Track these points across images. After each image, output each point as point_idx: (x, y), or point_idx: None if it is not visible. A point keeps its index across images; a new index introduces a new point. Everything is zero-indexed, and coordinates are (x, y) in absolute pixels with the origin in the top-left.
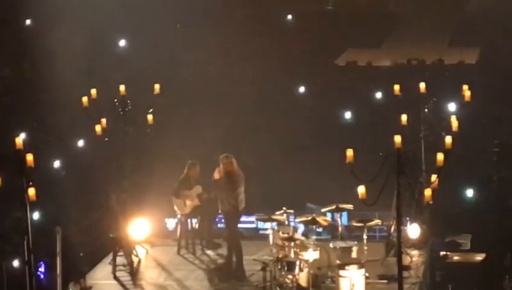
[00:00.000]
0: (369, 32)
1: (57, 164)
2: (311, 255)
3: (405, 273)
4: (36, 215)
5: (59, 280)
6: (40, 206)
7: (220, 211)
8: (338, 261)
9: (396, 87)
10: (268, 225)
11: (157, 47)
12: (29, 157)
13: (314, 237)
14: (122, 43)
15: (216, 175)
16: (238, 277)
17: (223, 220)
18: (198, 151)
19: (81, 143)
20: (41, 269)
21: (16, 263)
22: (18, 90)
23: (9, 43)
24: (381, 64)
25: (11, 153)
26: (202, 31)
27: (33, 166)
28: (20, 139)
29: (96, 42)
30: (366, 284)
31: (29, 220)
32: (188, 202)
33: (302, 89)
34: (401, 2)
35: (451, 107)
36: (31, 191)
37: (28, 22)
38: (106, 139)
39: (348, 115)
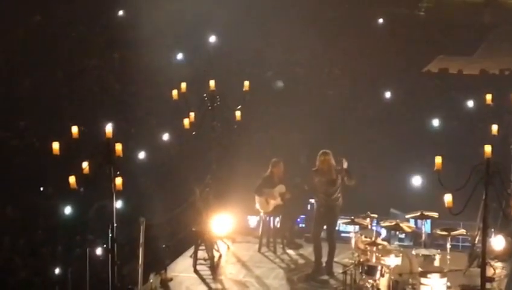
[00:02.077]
0: (460, 41)
1: (142, 155)
2: (393, 261)
3: (488, 285)
4: (120, 205)
5: (140, 270)
6: (124, 197)
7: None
8: (420, 269)
9: (488, 97)
10: (351, 228)
11: (246, 45)
12: (118, 146)
13: (396, 243)
14: (212, 39)
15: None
16: (315, 278)
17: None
18: (283, 151)
19: (167, 136)
20: None
21: (98, 251)
22: (107, 81)
23: (100, 34)
24: (472, 72)
25: (100, 142)
26: (291, 31)
27: (121, 156)
28: (110, 128)
29: (187, 36)
30: None
31: (114, 209)
32: (271, 201)
33: (390, 94)
34: (494, 12)
35: None
36: (118, 181)
37: (120, 13)
38: (194, 133)
39: (436, 122)
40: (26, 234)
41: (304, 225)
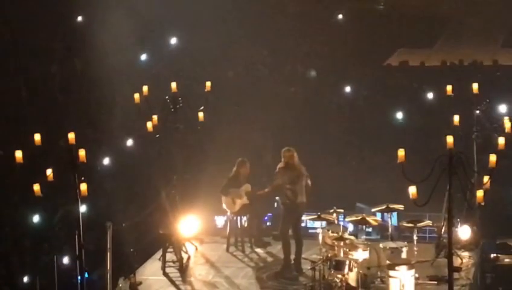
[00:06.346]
0: (421, 33)
1: (106, 160)
2: (361, 255)
3: (455, 275)
4: (86, 211)
5: (109, 275)
6: (90, 202)
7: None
8: (388, 262)
9: (449, 88)
10: (317, 224)
11: (207, 44)
12: (81, 152)
13: (363, 236)
14: (173, 40)
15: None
16: (285, 275)
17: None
18: (247, 150)
19: (131, 140)
20: None
21: (65, 258)
22: (69, 87)
23: (61, 40)
24: (434, 64)
25: (62, 149)
26: (252, 29)
27: (85, 161)
28: (73, 135)
29: (148, 39)
30: (416, 285)
31: (80, 216)
32: (237, 200)
33: (352, 89)
34: (453, 3)
35: (504, 108)
36: (83, 187)
37: (79, 18)
38: (157, 136)
39: (399, 115)
40: None
41: (270, 223)
